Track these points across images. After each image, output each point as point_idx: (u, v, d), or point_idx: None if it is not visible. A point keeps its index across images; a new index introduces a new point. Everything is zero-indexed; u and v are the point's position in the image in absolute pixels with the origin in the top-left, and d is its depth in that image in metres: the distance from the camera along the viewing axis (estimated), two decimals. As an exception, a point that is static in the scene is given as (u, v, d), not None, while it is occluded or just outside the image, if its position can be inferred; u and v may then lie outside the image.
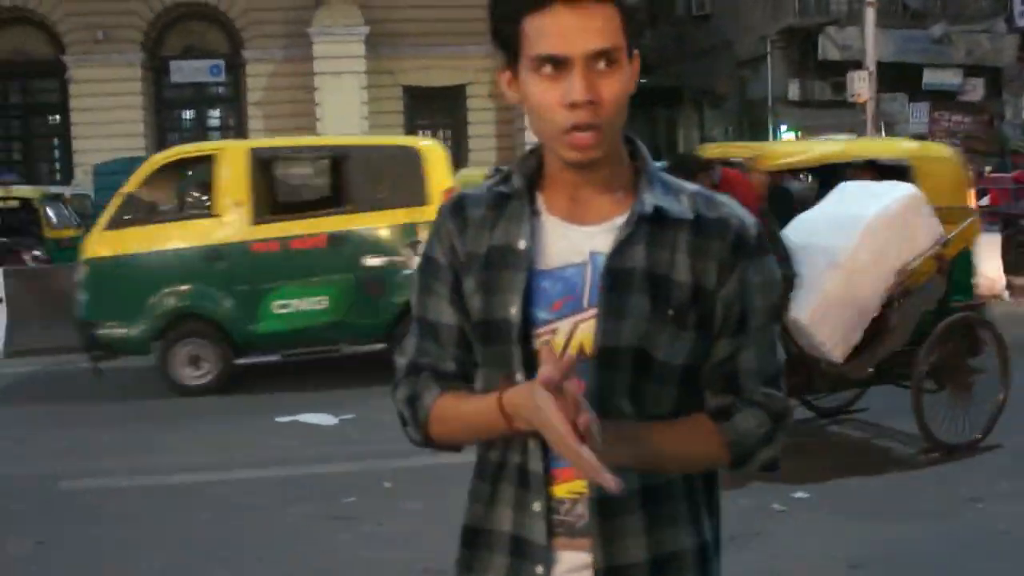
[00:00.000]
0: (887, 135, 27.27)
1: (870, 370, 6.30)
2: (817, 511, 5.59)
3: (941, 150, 8.66)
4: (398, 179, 9.25)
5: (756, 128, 28.41)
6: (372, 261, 9.02)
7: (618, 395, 1.50)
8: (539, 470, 1.53)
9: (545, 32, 1.46)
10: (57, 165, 26.72)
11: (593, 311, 1.52)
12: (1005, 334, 6.84)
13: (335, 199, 9.68)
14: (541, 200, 1.60)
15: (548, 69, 1.47)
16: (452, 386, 1.61)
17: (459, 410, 1.59)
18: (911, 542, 5.16)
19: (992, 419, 6.57)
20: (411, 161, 9.25)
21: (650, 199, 1.54)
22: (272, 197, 9.68)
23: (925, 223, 6.28)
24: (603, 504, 1.51)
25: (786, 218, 7.85)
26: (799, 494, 5.76)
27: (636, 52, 1.54)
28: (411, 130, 26.34)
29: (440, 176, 9.24)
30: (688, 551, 1.56)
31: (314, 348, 9.32)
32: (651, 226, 1.53)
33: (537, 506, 1.53)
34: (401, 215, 9.12)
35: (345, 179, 9.54)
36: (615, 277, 1.51)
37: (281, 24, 25.48)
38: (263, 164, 9.35)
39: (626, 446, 1.46)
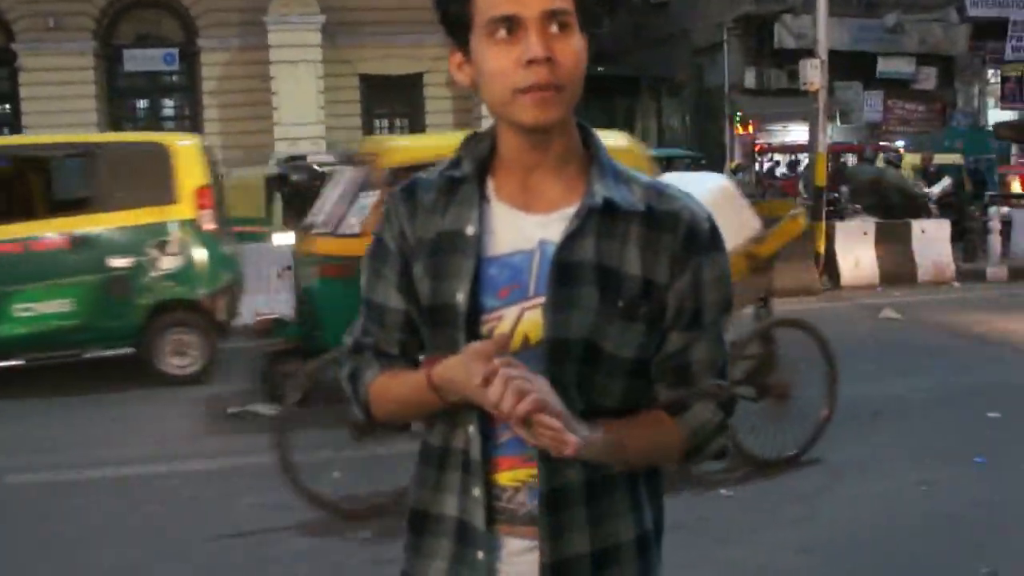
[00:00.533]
0: (842, 123, 27.53)
1: None
2: (764, 497, 5.65)
3: (615, 139, 7.78)
4: (147, 177, 8.91)
5: (714, 116, 28.54)
6: (118, 262, 8.76)
7: (566, 385, 1.49)
8: (478, 457, 1.54)
9: None
10: (8, 155, 26.32)
11: (539, 299, 1.52)
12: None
13: (81, 198, 9.34)
14: (491, 186, 1.59)
15: (502, 33, 1.46)
16: (392, 365, 1.63)
17: (394, 387, 1.61)
18: (857, 526, 5.23)
19: (813, 435, 6.12)
20: (160, 158, 8.96)
21: (601, 190, 1.54)
22: (13, 197, 9.41)
23: (736, 218, 5.87)
24: (551, 497, 1.52)
25: None
26: (746, 480, 5.82)
27: (584, 36, 1.53)
28: (368, 119, 26.25)
29: (192, 174, 8.97)
30: (628, 542, 1.57)
31: (59, 352, 9.07)
32: (601, 218, 1.53)
33: (477, 492, 1.54)
34: (149, 214, 8.85)
35: (91, 178, 9.21)
36: (563, 270, 1.51)
37: (236, 12, 25.21)
38: (2, 163, 9.04)
39: (593, 441, 1.45)
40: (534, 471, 1.53)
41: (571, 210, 1.54)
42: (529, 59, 1.45)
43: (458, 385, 1.46)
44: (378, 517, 5.34)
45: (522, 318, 1.53)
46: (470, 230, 1.55)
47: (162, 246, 8.77)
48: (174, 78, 27.08)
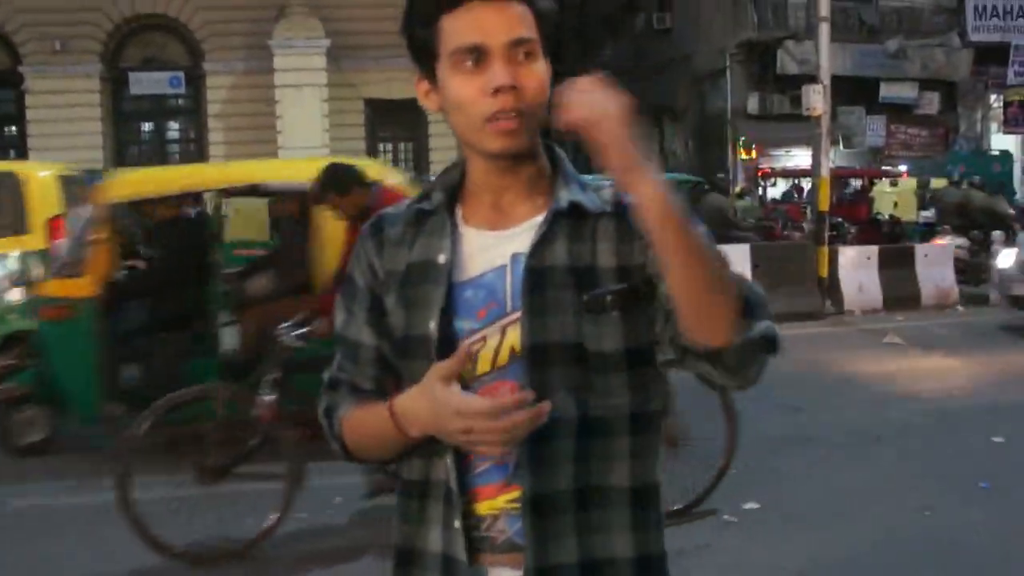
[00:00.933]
0: (845, 148, 27.61)
1: None
2: (766, 522, 5.63)
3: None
4: None
5: (716, 142, 28.60)
6: None
7: (555, 391, 1.49)
8: (455, 487, 1.54)
9: (463, 26, 1.48)
10: (14, 177, 26.42)
11: (518, 313, 1.52)
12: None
13: None
14: (461, 213, 1.61)
15: (468, 63, 1.49)
16: (367, 399, 1.63)
17: (363, 420, 1.60)
18: (859, 552, 5.21)
19: (707, 487, 5.63)
20: (13, 188, 8.77)
21: (566, 195, 1.55)
22: None
23: None
24: (536, 503, 1.51)
25: (190, 254, 7.29)
26: (749, 505, 5.80)
27: (547, 61, 1.56)
28: (372, 143, 26.33)
29: (45, 204, 8.75)
30: (624, 561, 1.55)
31: None
32: (569, 221, 1.54)
33: (458, 523, 1.54)
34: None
35: None
36: (535, 276, 1.52)
37: (242, 36, 25.36)
38: None
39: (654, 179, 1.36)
40: (511, 496, 1.53)
41: (539, 219, 1.55)
42: (495, 87, 1.47)
43: (419, 413, 1.47)
44: (225, 565, 5.15)
45: (506, 334, 1.53)
46: (441, 258, 1.57)
47: (12, 277, 8.62)
48: (180, 101, 27.23)
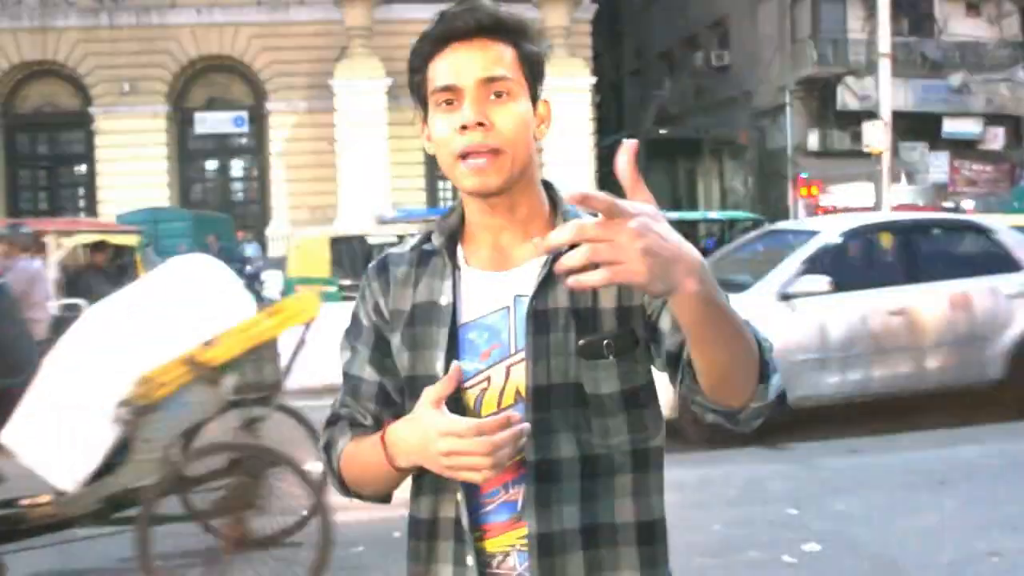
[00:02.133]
0: (908, 184, 27.29)
1: (94, 506, 4.76)
2: (828, 564, 5.53)
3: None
4: None
5: (775, 178, 28.44)
6: None
7: (558, 432, 1.52)
8: (466, 524, 1.56)
9: (442, 67, 1.54)
10: (83, 215, 27.12)
11: (522, 354, 1.55)
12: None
13: None
14: (462, 254, 1.64)
15: (444, 102, 1.54)
16: (363, 434, 1.65)
17: (358, 453, 1.63)
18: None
19: None
20: None
21: None
22: None
23: (194, 312, 4.86)
24: (543, 542, 1.52)
25: None
26: (809, 547, 5.70)
27: (545, 101, 1.60)
28: (432, 181, 26.59)
29: None
30: None
31: None
32: None
33: (471, 560, 1.56)
34: None
35: None
36: (538, 319, 1.54)
37: (304, 76, 25.87)
38: None
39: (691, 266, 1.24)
40: (521, 532, 1.54)
41: (540, 260, 1.57)
42: (462, 125, 1.51)
43: (408, 440, 1.49)
44: None
45: (511, 374, 1.56)
46: (444, 300, 1.60)
47: None
48: (243, 140, 27.81)
